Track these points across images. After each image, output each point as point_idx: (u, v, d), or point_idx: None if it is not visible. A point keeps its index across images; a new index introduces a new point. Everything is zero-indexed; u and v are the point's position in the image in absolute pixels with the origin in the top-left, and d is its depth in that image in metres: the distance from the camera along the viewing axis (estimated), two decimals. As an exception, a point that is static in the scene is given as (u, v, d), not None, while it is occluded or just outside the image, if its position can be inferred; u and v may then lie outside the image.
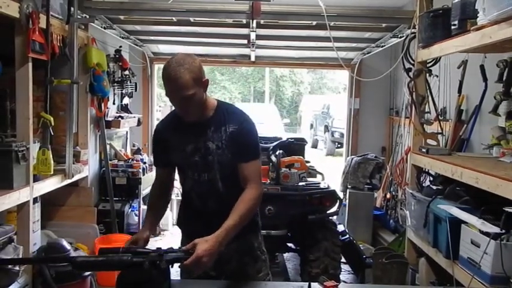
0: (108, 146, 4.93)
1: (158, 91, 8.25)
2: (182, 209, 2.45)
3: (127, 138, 5.88)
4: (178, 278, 2.34)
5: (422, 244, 3.25)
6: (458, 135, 3.70)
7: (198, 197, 2.26)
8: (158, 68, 6.97)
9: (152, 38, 6.13)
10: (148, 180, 5.49)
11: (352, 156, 5.93)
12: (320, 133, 17.86)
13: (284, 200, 3.93)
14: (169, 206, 6.62)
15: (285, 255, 5.03)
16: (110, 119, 5.01)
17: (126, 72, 5.38)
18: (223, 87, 24.90)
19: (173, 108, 2.26)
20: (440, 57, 3.54)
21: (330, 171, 6.18)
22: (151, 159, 5.96)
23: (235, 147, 2.18)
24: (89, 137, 4.48)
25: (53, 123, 3.48)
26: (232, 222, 2.00)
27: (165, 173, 2.40)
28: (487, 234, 2.31)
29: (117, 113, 5.43)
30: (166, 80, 2.04)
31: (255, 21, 4.51)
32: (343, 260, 4.33)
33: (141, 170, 5.19)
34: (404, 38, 4.20)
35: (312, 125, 19.37)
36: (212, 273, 2.27)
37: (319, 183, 4.38)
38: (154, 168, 5.69)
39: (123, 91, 5.49)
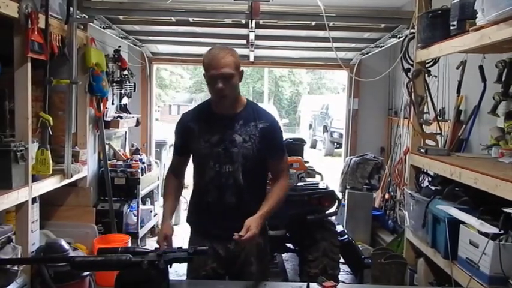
0: (107, 146, 4.92)
1: (157, 91, 8.26)
2: (195, 205, 2.47)
3: (126, 138, 5.87)
4: (177, 278, 2.35)
5: (421, 244, 3.25)
6: (457, 135, 3.70)
7: (216, 189, 2.30)
8: (157, 68, 6.98)
9: (151, 38, 6.14)
10: (147, 181, 5.49)
11: (351, 157, 5.94)
12: (319, 133, 17.88)
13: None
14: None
15: (284, 255, 5.02)
16: (109, 119, 5.01)
17: (125, 72, 5.38)
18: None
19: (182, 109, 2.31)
20: (439, 58, 3.54)
21: (328, 171, 6.18)
22: (150, 159, 5.97)
23: (266, 143, 2.29)
24: (88, 137, 4.48)
25: (51, 123, 3.47)
26: (272, 205, 2.23)
27: (181, 161, 2.49)
28: (485, 234, 2.31)
29: (116, 113, 5.42)
30: (211, 59, 2.19)
31: (254, 21, 4.51)
32: (341, 260, 4.33)
33: (139, 170, 5.18)
34: (403, 38, 4.21)
35: (310, 125, 19.39)
36: (220, 271, 2.36)
37: (318, 183, 4.39)
38: (154, 165, 5.72)
39: (122, 91, 5.49)
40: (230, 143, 2.27)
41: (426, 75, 3.55)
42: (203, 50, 6.67)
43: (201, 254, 1.87)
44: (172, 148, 9.06)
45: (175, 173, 2.50)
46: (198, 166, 2.40)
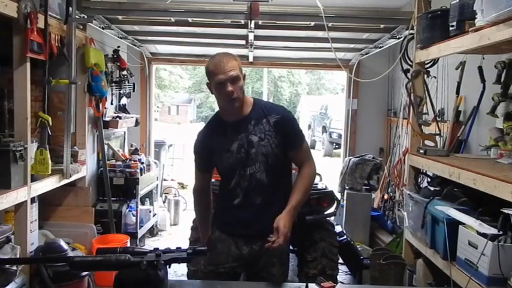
0: (106, 146, 4.92)
1: (156, 91, 8.28)
2: (221, 208, 2.52)
3: (125, 139, 5.87)
4: (176, 278, 2.36)
5: (419, 245, 3.26)
6: (456, 136, 3.70)
7: (242, 191, 2.34)
8: (156, 68, 6.97)
9: (150, 38, 6.13)
10: (146, 181, 5.49)
11: (350, 157, 5.94)
12: (318, 134, 17.89)
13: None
14: (166, 206, 6.63)
15: (283, 255, 5.01)
16: (108, 119, 5.01)
17: (124, 73, 5.38)
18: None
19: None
20: (438, 59, 3.54)
21: (327, 172, 6.18)
22: (149, 159, 5.97)
23: (282, 135, 2.31)
24: (87, 137, 4.48)
25: (51, 123, 3.48)
26: (299, 197, 2.29)
27: (206, 177, 2.53)
28: (484, 235, 2.31)
29: (115, 113, 5.42)
30: (216, 65, 2.21)
31: (253, 21, 4.51)
32: (340, 260, 4.32)
33: (138, 170, 5.19)
34: (402, 39, 4.21)
35: (310, 126, 19.40)
36: (239, 270, 2.42)
37: (316, 183, 4.38)
38: (153, 165, 5.70)
39: (121, 91, 5.49)
40: (248, 145, 2.30)
41: (425, 75, 3.54)
42: (202, 50, 6.71)
43: (200, 255, 1.86)
44: (171, 149, 9.01)
45: (202, 193, 2.56)
46: (223, 174, 2.45)
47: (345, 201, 5.58)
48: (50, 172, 3.49)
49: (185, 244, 2.43)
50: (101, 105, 4.62)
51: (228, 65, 2.20)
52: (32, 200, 3.41)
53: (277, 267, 2.37)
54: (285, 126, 2.32)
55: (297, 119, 2.50)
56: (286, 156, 2.38)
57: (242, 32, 5.31)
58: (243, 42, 5.58)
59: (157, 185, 6.31)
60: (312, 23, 4.77)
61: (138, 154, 5.79)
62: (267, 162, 2.29)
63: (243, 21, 4.75)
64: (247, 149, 2.30)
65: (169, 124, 29.01)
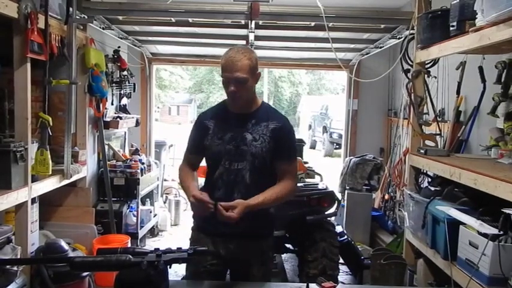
0: (106, 147, 4.92)
1: (156, 92, 8.27)
2: None
3: (125, 139, 5.87)
4: (176, 278, 2.36)
5: (420, 245, 3.26)
6: (456, 136, 3.70)
7: (224, 185, 2.32)
8: (156, 68, 6.96)
9: (151, 38, 6.14)
10: (146, 181, 5.49)
11: (351, 157, 5.94)
12: (318, 134, 17.90)
13: (282, 201, 3.92)
14: (166, 206, 6.62)
15: (283, 256, 5.03)
16: (108, 119, 5.01)
17: (125, 73, 5.38)
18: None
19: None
20: (438, 59, 3.54)
21: (328, 172, 6.18)
22: (150, 159, 5.97)
23: (276, 143, 2.29)
24: (87, 137, 4.48)
25: (51, 124, 3.47)
26: (261, 200, 2.19)
27: (193, 160, 2.50)
28: (485, 235, 2.32)
29: (115, 113, 5.42)
30: (226, 61, 2.23)
31: (253, 22, 4.51)
32: (341, 261, 4.32)
33: (139, 171, 5.18)
34: (403, 39, 4.21)
35: (310, 126, 19.42)
36: (220, 267, 2.38)
37: (317, 184, 4.38)
38: (153, 165, 5.70)
39: (122, 91, 5.49)
40: (241, 141, 2.29)
41: (426, 75, 3.55)
42: (203, 50, 6.71)
43: (201, 255, 1.87)
44: (171, 149, 9.00)
45: (186, 167, 2.49)
46: (210, 163, 2.43)
47: (345, 202, 5.58)
48: (50, 172, 3.49)
49: (186, 244, 2.42)
50: (101, 105, 4.62)
51: (236, 65, 2.19)
52: (33, 201, 3.41)
53: (257, 268, 2.35)
54: (281, 135, 2.31)
55: (295, 135, 2.47)
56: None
57: (242, 32, 5.31)
58: (243, 42, 5.58)
59: (157, 185, 6.31)
60: (312, 23, 4.77)
61: (139, 154, 5.79)
62: (254, 162, 2.28)
63: (243, 22, 4.75)
64: (238, 144, 2.29)
65: (170, 124, 29.01)
